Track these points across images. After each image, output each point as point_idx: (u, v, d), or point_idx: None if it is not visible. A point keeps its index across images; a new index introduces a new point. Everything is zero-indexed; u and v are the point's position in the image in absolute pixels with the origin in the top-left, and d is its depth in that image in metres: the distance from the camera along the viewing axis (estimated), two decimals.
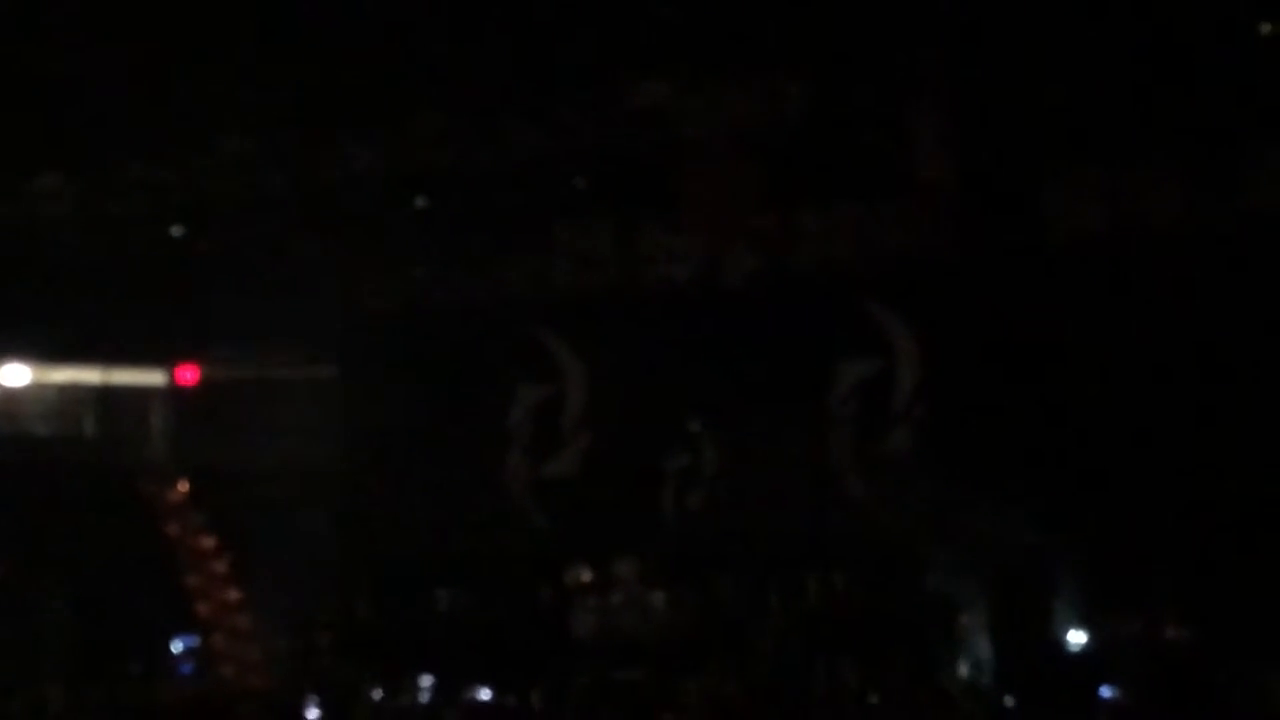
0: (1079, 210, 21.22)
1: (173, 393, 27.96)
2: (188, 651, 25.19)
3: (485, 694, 18.40)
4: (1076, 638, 20.41)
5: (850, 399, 23.26)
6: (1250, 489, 19.05)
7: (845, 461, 23.17)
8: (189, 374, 27.61)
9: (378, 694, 17.97)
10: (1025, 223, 21.45)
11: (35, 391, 27.84)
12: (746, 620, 21.89)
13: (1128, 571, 19.82)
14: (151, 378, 28.04)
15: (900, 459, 22.72)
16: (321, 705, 16.91)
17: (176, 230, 25.91)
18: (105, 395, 27.80)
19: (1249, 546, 18.94)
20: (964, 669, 19.02)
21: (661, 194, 24.27)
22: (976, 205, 21.86)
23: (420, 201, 24.97)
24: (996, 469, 20.98)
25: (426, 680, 20.23)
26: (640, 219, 24.68)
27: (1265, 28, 20.11)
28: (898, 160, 22.44)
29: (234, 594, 26.34)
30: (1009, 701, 15.40)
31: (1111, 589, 20.19)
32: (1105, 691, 16.57)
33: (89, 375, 27.55)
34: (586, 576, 24.41)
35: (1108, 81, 20.49)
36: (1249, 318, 19.58)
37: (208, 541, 26.91)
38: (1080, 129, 20.68)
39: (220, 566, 26.74)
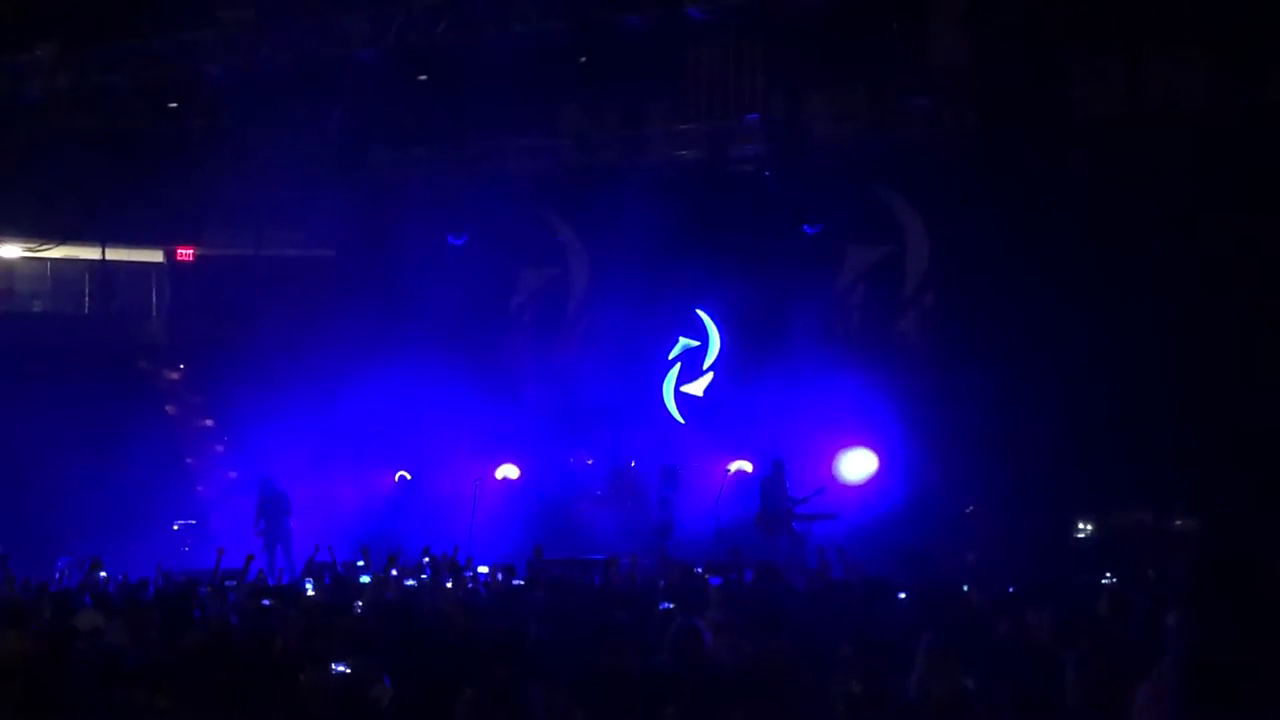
0: (1099, 95, 20.78)
1: (171, 272, 27.68)
2: (187, 531, 25.08)
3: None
4: (1084, 527, 20.33)
5: (859, 284, 23.01)
6: (1266, 377, 18.83)
7: (853, 346, 22.95)
8: (187, 253, 27.33)
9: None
10: (1044, 107, 21.02)
11: (33, 269, 27.57)
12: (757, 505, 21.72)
13: (1137, 462, 19.63)
14: (150, 256, 27.76)
15: (908, 344, 22.50)
16: (322, 589, 16.71)
17: (172, 105, 25.42)
18: (103, 273, 27.52)
19: (1260, 436, 18.74)
20: (970, 556, 18.91)
21: (668, 74, 23.81)
22: (993, 88, 21.42)
23: (422, 78, 24.44)
24: (1005, 357, 20.74)
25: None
26: (647, 99, 24.25)
27: None
28: (911, 40, 22.00)
29: (233, 474, 26.20)
30: (1011, 589, 15.22)
31: (1121, 479, 20.02)
32: (1105, 580, 16.39)
33: (87, 253, 27.24)
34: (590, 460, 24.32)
35: None
36: (1271, 204, 19.24)
37: (206, 422, 26.76)
38: (1102, 8, 20.20)
39: (219, 447, 26.60)
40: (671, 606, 12.45)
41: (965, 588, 15.44)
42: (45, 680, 8.95)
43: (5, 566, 16.36)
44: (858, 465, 22.20)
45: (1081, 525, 20.45)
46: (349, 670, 9.01)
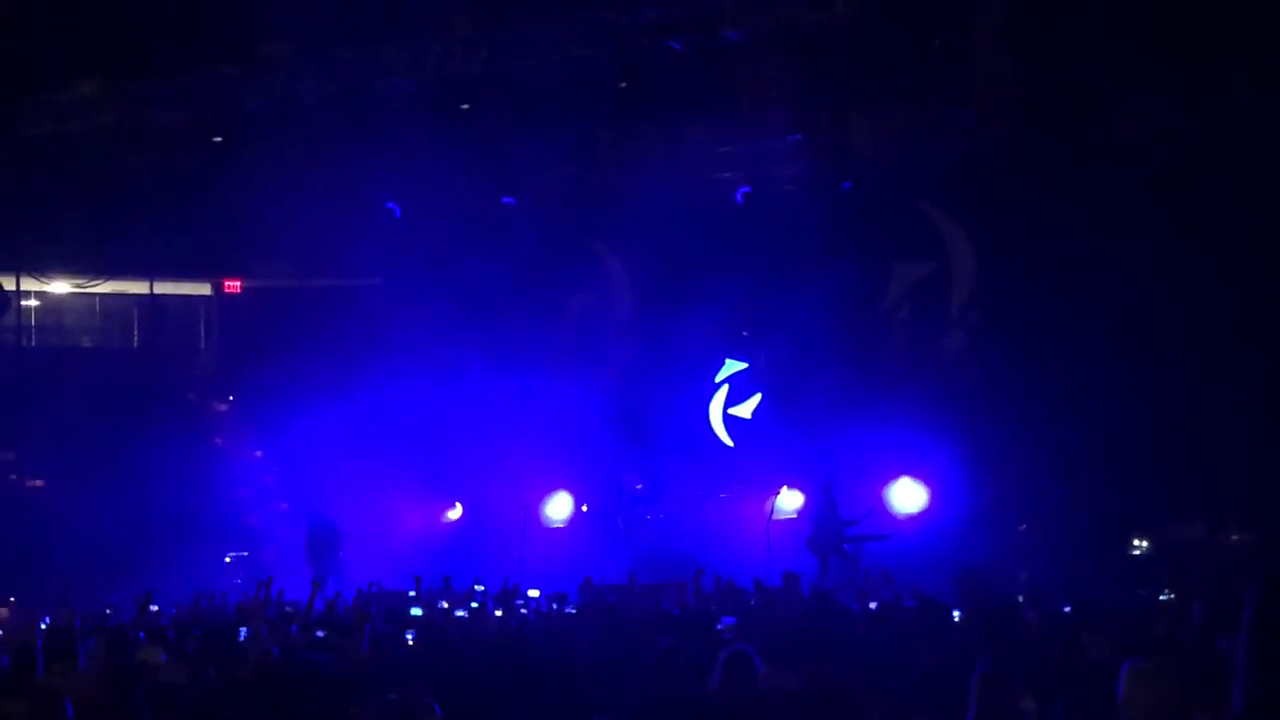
0: (1141, 108, 20.60)
1: (219, 304, 27.81)
2: (239, 563, 25.14)
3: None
4: (1139, 543, 20.11)
5: (905, 302, 22.91)
6: None
7: (899, 365, 22.82)
8: (235, 285, 27.45)
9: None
10: (1086, 120, 20.86)
11: (82, 304, 27.75)
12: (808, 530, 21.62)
13: (1191, 476, 19.41)
14: (198, 289, 27.89)
15: (955, 361, 22.37)
16: (381, 620, 16.71)
17: (217, 139, 25.57)
18: (152, 307, 27.69)
19: None
20: (1024, 574, 18.72)
21: (708, 97, 23.75)
22: (1035, 102, 21.28)
23: (465, 106, 24.48)
24: (1054, 371, 20.58)
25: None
26: (686, 123, 24.20)
27: None
28: (952, 56, 21.90)
29: (283, 505, 26.24)
30: (1067, 608, 15.05)
31: (1174, 494, 19.81)
32: (1162, 596, 16.22)
33: (135, 287, 27.42)
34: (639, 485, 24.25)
35: None
36: None
37: (256, 453, 26.82)
38: (1144, 23, 20.03)
39: (269, 478, 26.64)
40: (727, 625, 12.40)
41: (1020, 605, 15.30)
42: (109, 717, 8.96)
43: (68, 602, 16.37)
44: (908, 496, 22.05)
45: (1136, 541, 20.24)
46: (400, 700, 8.97)
